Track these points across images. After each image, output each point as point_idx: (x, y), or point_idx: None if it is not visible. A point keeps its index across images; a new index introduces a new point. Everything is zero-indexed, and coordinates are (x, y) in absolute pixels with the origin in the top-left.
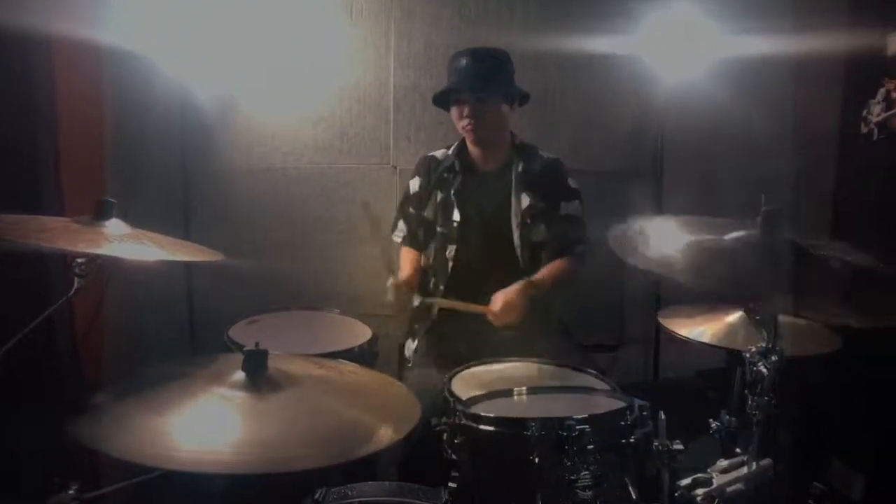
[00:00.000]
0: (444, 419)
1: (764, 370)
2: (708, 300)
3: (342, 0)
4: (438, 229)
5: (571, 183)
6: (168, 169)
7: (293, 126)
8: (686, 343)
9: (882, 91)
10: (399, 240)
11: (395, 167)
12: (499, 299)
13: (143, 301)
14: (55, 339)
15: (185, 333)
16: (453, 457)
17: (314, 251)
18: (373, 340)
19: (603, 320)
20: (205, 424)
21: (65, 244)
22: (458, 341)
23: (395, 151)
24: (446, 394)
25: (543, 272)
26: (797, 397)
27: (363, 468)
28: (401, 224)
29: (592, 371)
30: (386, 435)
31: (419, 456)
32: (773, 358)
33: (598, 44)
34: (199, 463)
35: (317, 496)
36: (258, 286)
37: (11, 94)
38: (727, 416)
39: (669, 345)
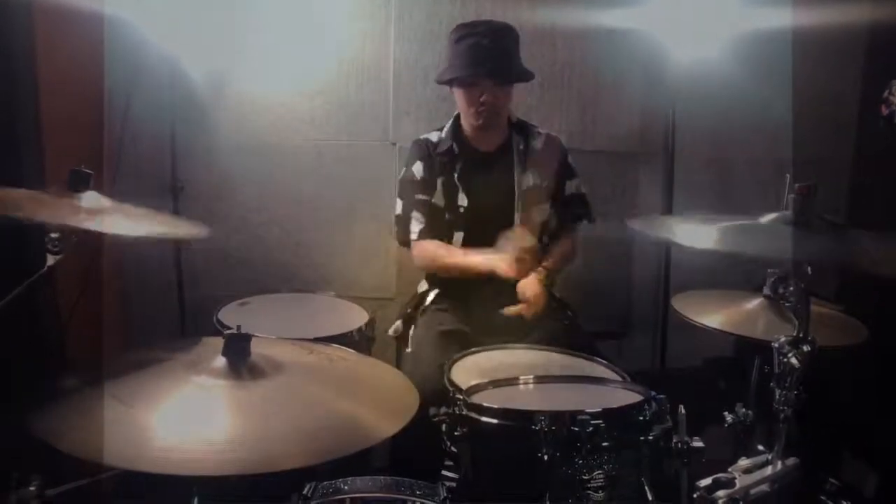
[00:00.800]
0: (443, 409)
1: (795, 361)
2: (722, 286)
3: None
4: (447, 216)
5: (570, 160)
6: (157, 143)
7: (288, 101)
8: (694, 331)
9: None
10: (416, 236)
11: (395, 144)
12: (528, 295)
13: (131, 282)
14: (38, 322)
15: (175, 316)
16: (453, 449)
17: (309, 231)
18: (369, 324)
19: (610, 307)
20: (179, 418)
21: (30, 213)
22: (458, 323)
23: (394, 128)
24: (446, 382)
25: (556, 256)
26: (819, 391)
27: (355, 458)
28: (415, 218)
29: (604, 360)
30: (379, 429)
31: (415, 445)
32: (806, 348)
33: (608, 17)
34: (170, 464)
35: (305, 491)
36: (250, 267)
37: None
38: (743, 409)
39: (677, 332)
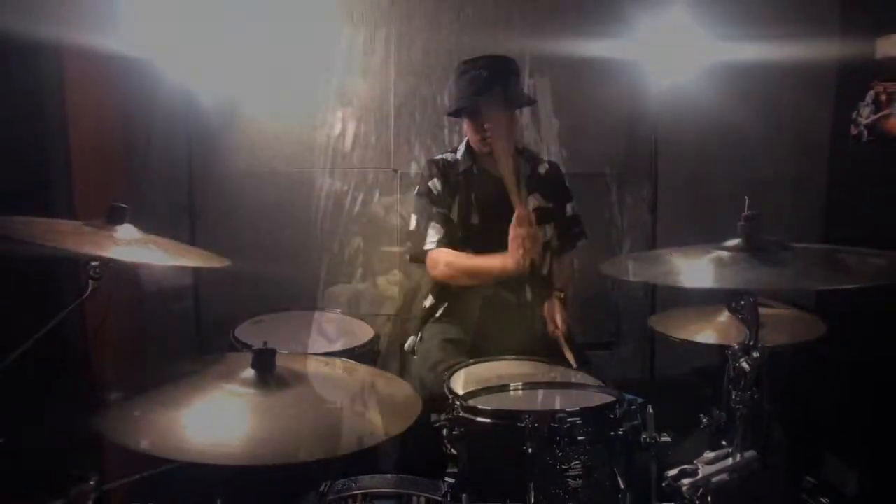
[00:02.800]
0: (443, 415)
1: (746, 366)
2: (697, 302)
3: (344, 7)
4: (460, 233)
5: (567, 184)
6: (174, 173)
7: (296, 130)
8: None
9: (871, 94)
10: (433, 245)
11: (396, 170)
12: (558, 321)
13: (151, 302)
14: (66, 339)
15: (191, 333)
16: (452, 451)
17: (316, 253)
18: (374, 340)
19: (600, 319)
20: (216, 419)
21: (74, 247)
22: (461, 334)
23: (395, 155)
24: (445, 390)
25: (564, 278)
26: (787, 388)
27: (365, 463)
28: (433, 229)
29: (587, 371)
30: (388, 429)
31: (419, 451)
32: (755, 354)
33: (594, 48)
34: (210, 455)
35: (322, 488)
36: (262, 287)
37: (24, 100)
38: (717, 412)
39: (665, 343)
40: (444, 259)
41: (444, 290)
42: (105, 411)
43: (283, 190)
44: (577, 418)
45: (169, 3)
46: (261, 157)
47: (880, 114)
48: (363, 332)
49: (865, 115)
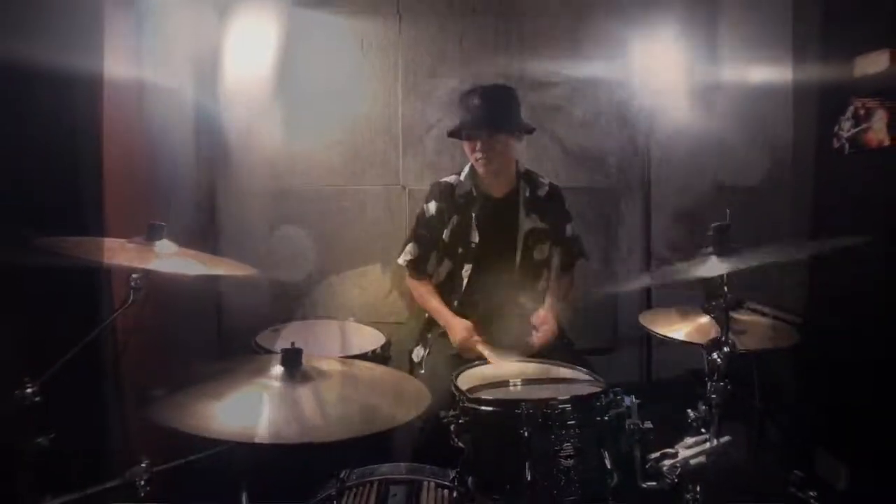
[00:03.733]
0: (451, 412)
1: (717, 359)
2: (683, 305)
3: (354, 36)
4: (459, 250)
5: (567, 206)
6: (198, 192)
7: (310, 150)
8: (674, 345)
9: (851, 109)
10: (404, 262)
11: (405, 187)
12: (545, 329)
13: (176, 313)
14: (100, 346)
15: (213, 341)
16: (459, 444)
17: (331, 265)
18: (385, 345)
19: (598, 325)
20: (252, 407)
21: (123, 261)
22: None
23: (403, 173)
24: (453, 388)
25: (563, 293)
26: (776, 387)
27: (381, 458)
28: (410, 247)
29: (583, 368)
30: (398, 416)
31: (430, 447)
32: (725, 349)
33: (588, 70)
34: (248, 435)
35: (342, 476)
36: (280, 298)
37: (62, 127)
38: (703, 407)
39: (660, 348)
40: (415, 291)
41: (447, 300)
42: (156, 403)
43: (298, 207)
44: (568, 405)
45: (195, 36)
46: (278, 176)
47: (859, 127)
48: (375, 339)
49: (846, 128)
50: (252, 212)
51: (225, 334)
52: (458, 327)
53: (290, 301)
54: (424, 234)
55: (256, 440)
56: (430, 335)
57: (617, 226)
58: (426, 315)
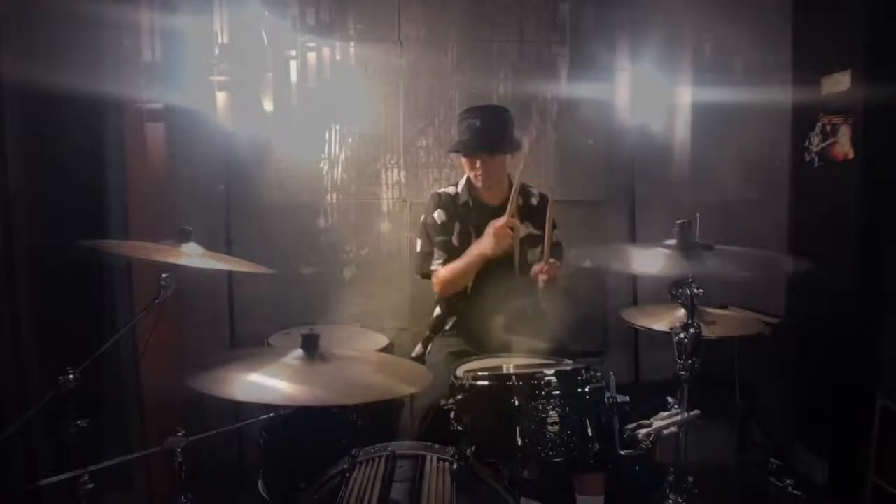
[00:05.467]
0: (451, 400)
1: (685, 339)
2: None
3: (359, 62)
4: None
5: (554, 214)
6: (214, 205)
7: (318, 167)
8: (660, 349)
9: (819, 125)
10: (438, 266)
11: (406, 201)
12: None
13: (190, 319)
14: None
15: (226, 345)
16: (458, 428)
17: (336, 274)
18: (388, 348)
19: (587, 330)
20: (278, 382)
21: (159, 258)
22: (465, 345)
23: (405, 188)
24: (452, 378)
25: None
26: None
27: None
28: (438, 252)
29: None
30: (401, 389)
31: (431, 433)
32: (692, 331)
33: (576, 90)
34: (276, 399)
35: (353, 453)
36: (289, 305)
37: (91, 147)
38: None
39: (648, 350)
40: (445, 275)
41: (450, 303)
42: (197, 377)
43: (307, 219)
44: (553, 378)
45: (210, 61)
46: (288, 191)
47: (827, 142)
48: (379, 341)
49: (815, 143)
50: (264, 225)
51: (238, 339)
52: (487, 235)
53: (299, 307)
54: (442, 239)
55: (280, 402)
56: (435, 336)
57: (604, 236)
58: (433, 315)
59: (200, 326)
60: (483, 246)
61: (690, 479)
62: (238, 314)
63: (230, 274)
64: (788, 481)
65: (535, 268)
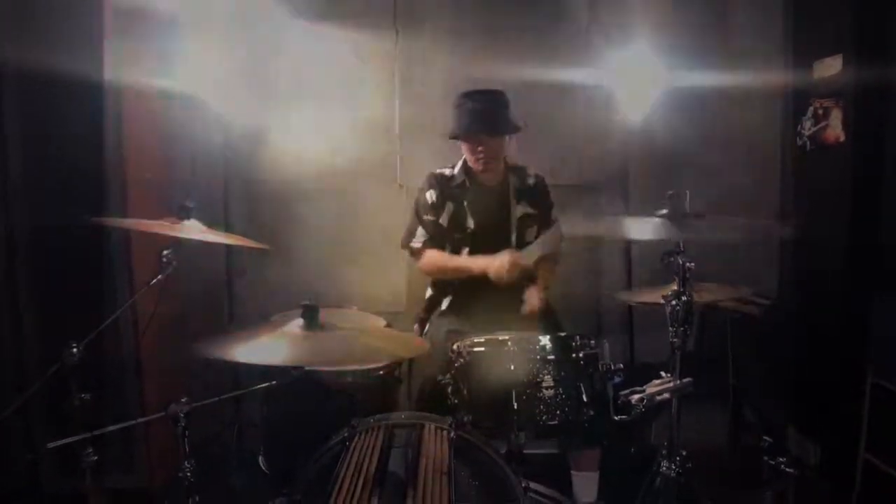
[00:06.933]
0: (447, 376)
1: (677, 306)
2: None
3: (355, 49)
4: (456, 235)
5: (550, 193)
6: (212, 190)
7: (316, 153)
8: (654, 333)
9: (811, 109)
10: (420, 244)
11: (402, 185)
12: (533, 302)
13: (190, 303)
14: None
15: (223, 326)
16: (455, 401)
17: (334, 258)
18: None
19: (583, 316)
20: (282, 348)
21: (162, 231)
22: (462, 324)
23: (401, 173)
24: (449, 352)
25: (546, 271)
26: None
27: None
28: (420, 231)
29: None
30: (397, 354)
31: (429, 409)
32: (684, 299)
33: (572, 76)
34: (277, 359)
35: (353, 423)
36: (287, 288)
37: (90, 131)
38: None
39: (642, 335)
40: (432, 259)
41: (442, 284)
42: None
43: (304, 204)
44: (548, 343)
45: (210, 49)
46: (285, 176)
47: (819, 126)
48: (376, 324)
49: (807, 127)
50: (262, 210)
51: (236, 320)
52: (498, 260)
53: (297, 291)
54: (429, 218)
55: (281, 363)
56: (431, 316)
57: (599, 219)
58: (426, 297)
59: (198, 310)
60: (489, 268)
61: (683, 452)
62: (236, 298)
63: (228, 259)
64: (781, 459)
65: (531, 301)
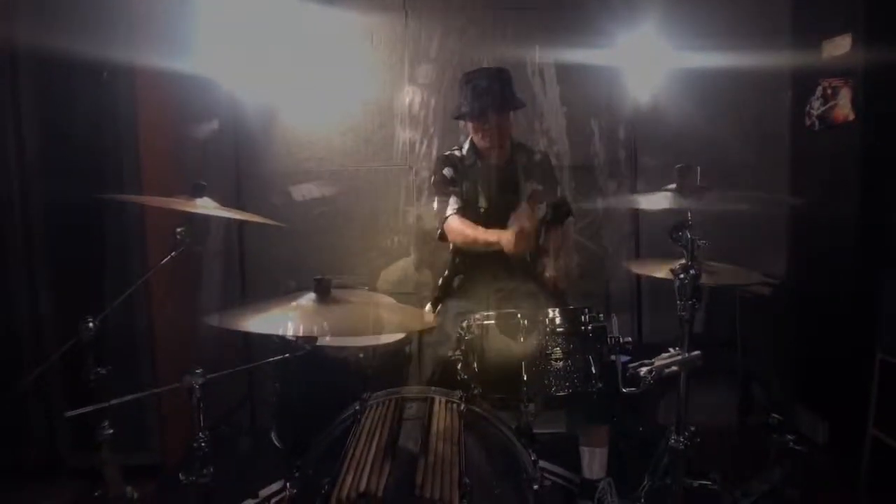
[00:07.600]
0: (457, 351)
1: (685, 281)
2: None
3: (365, 32)
4: (469, 214)
5: (555, 171)
6: (223, 172)
7: (326, 135)
8: (661, 313)
9: (820, 88)
10: (452, 211)
11: (411, 167)
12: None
13: (202, 283)
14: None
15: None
16: (464, 376)
17: (344, 239)
18: None
19: (591, 295)
20: (297, 321)
21: (178, 207)
22: (473, 304)
23: (409, 155)
24: (459, 329)
25: (557, 246)
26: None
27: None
28: (451, 203)
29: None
30: (406, 326)
31: (440, 384)
32: (692, 272)
33: (578, 57)
34: (290, 330)
35: (364, 396)
36: (298, 269)
37: (105, 112)
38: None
39: (650, 314)
40: (458, 226)
41: (456, 262)
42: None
43: (314, 187)
44: (557, 315)
45: (221, 31)
46: (296, 158)
47: (827, 105)
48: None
49: (816, 107)
50: (272, 191)
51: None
52: (508, 231)
53: (308, 271)
54: (455, 189)
55: (293, 335)
56: (444, 297)
57: (606, 200)
58: (441, 280)
59: (210, 292)
60: (503, 240)
61: (692, 427)
62: (250, 278)
63: (241, 239)
64: (790, 437)
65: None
